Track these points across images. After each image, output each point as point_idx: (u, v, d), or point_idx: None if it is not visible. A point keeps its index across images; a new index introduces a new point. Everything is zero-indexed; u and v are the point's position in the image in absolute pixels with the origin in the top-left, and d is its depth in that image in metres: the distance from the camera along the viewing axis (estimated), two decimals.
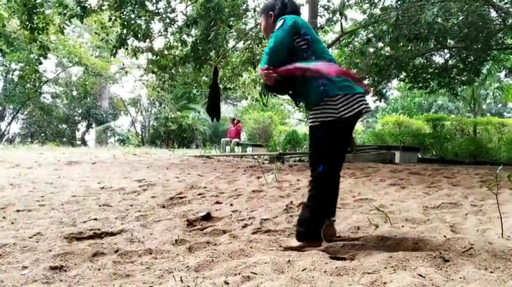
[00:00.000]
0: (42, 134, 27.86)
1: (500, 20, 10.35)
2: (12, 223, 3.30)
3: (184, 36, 11.14)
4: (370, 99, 14.70)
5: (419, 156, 13.65)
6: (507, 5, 10.24)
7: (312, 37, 2.59)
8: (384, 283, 1.79)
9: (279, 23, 2.56)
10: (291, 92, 2.76)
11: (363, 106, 2.49)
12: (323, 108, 2.48)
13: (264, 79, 2.48)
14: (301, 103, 2.84)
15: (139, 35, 10.04)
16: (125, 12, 9.71)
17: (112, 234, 3.00)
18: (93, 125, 30.50)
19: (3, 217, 3.50)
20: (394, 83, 18.50)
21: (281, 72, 2.46)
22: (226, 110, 32.68)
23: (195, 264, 2.15)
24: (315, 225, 2.52)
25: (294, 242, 2.58)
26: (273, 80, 2.43)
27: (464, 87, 16.20)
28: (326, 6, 11.49)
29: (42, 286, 1.95)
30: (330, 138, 2.51)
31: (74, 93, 30.35)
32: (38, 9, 9.85)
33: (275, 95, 2.78)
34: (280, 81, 2.53)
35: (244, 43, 12.49)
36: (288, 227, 3.17)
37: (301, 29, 2.56)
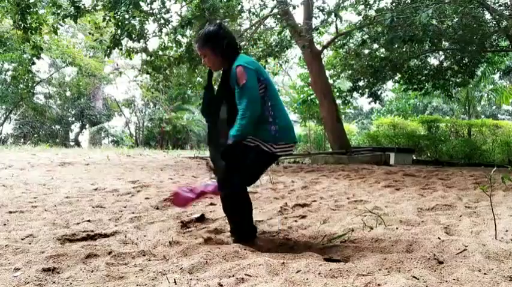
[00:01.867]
0: (35, 135, 27.64)
1: (494, 22, 10.42)
2: (5, 225, 3.27)
3: (179, 37, 11.12)
4: (365, 100, 14.75)
5: (414, 158, 13.71)
6: (501, 8, 10.30)
7: (267, 79, 2.66)
8: (378, 285, 1.79)
9: (239, 71, 2.54)
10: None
11: (289, 151, 2.76)
12: (266, 143, 2.63)
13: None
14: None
15: (133, 36, 10.01)
16: (119, 13, 9.68)
17: (105, 236, 2.98)
18: (87, 126, 30.29)
19: None
20: (389, 84, 18.53)
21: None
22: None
23: (189, 266, 2.14)
24: (242, 228, 2.76)
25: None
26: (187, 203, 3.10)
27: (459, 89, 16.29)
28: (321, 8, 11.47)
29: None
30: (257, 162, 2.70)
31: (68, 93, 30.08)
32: (31, 9, 9.80)
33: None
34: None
35: (238, 44, 12.49)
36: (283, 229, 3.16)
37: (261, 75, 2.62)
